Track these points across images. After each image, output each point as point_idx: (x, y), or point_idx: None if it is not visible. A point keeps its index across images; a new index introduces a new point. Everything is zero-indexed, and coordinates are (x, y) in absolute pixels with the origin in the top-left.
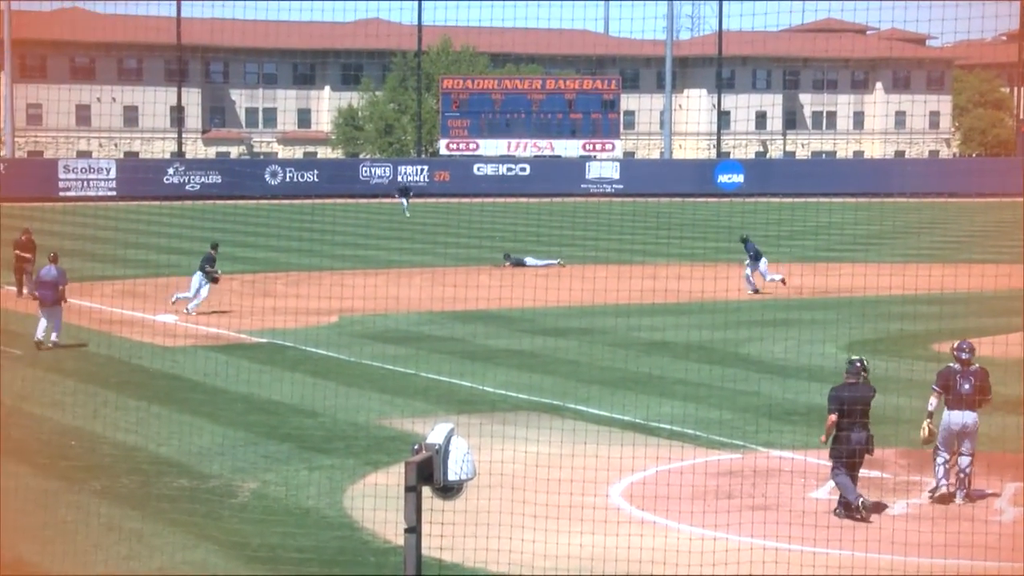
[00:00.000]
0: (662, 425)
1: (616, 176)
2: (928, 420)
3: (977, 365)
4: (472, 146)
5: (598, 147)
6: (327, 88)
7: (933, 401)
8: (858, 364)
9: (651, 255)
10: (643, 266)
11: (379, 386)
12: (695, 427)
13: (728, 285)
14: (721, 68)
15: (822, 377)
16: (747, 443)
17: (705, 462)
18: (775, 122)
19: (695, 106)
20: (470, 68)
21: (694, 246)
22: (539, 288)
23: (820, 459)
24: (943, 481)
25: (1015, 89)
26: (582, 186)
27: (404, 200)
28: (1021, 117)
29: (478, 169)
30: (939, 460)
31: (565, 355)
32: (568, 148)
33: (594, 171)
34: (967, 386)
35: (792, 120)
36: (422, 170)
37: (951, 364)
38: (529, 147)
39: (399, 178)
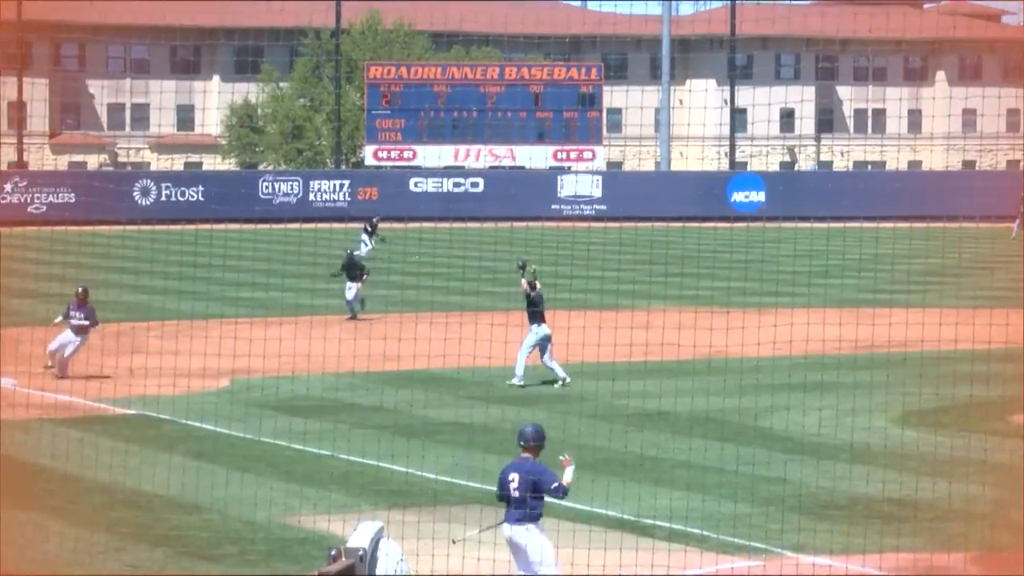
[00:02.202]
0: (659, 523)
1: (597, 193)
2: None
3: None
4: (408, 154)
5: (574, 155)
6: (216, 78)
7: None
8: None
9: (643, 297)
10: (633, 312)
11: (284, 472)
12: (702, 525)
13: (745, 337)
14: (735, 52)
15: (869, 458)
16: (770, 546)
17: (716, 571)
18: (805, 123)
19: (701, 102)
20: (405, 52)
21: (699, 286)
22: (496, 341)
23: (866, 566)
24: None
25: None
26: (553, 207)
27: (368, 239)
28: None
29: (416, 184)
30: None
31: None
32: (534, 157)
33: (568, 187)
34: None
35: (828, 121)
36: (341, 186)
37: None
38: (483, 155)
39: (311, 196)
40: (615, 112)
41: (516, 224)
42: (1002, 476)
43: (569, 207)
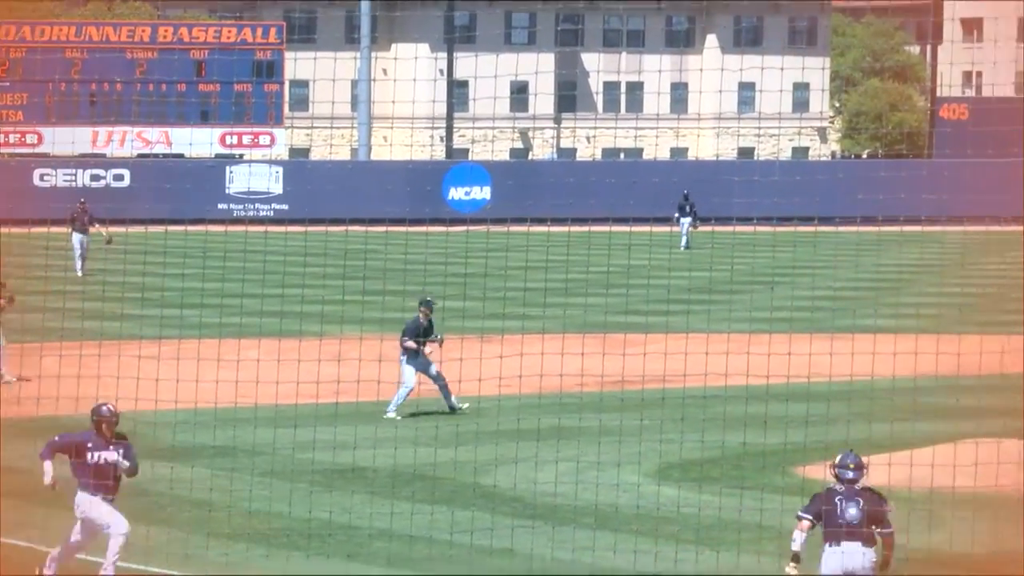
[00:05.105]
0: None
1: (277, 189)
2: (793, 565)
3: (867, 486)
4: (31, 138)
5: (247, 140)
6: None
7: (798, 537)
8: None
9: (334, 322)
10: (320, 340)
11: None
12: None
13: (462, 371)
14: (453, 10)
15: (618, 523)
16: None
17: None
18: (542, 100)
19: (409, 72)
20: (27, 10)
21: (405, 307)
22: (145, 379)
23: None
24: None
25: (929, 48)
26: (220, 205)
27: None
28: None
29: (42, 177)
30: None
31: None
32: (196, 142)
33: (240, 180)
34: (853, 510)
35: (571, 98)
36: None
37: (832, 486)
38: (130, 140)
39: None
40: (300, 85)
41: (172, 228)
42: (782, 543)
43: (241, 206)
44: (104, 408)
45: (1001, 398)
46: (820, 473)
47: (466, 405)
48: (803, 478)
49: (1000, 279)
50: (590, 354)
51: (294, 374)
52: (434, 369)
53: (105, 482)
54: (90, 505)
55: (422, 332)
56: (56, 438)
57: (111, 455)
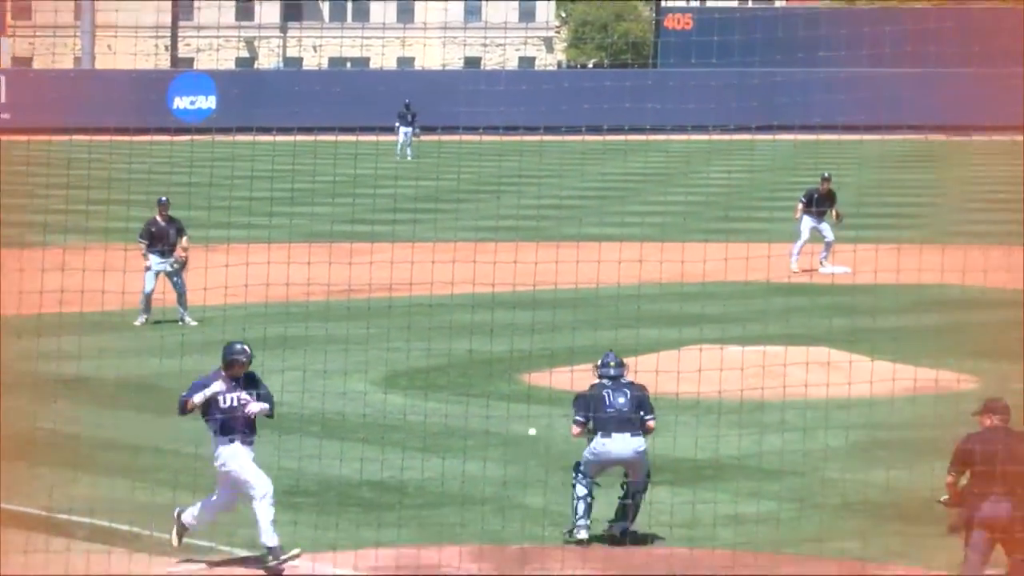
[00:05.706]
0: (77, 518)
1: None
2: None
3: (631, 380)
4: None
5: None
6: None
7: (576, 431)
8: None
9: (58, 231)
10: (44, 251)
11: None
12: (133, 520)
13: (189, 281)
14: None
15: (344, 432)
16: (218, 544)
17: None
18: (268, 10)
19: None
20: None
21: (130, 216)
22: None
23: (338, 567)
24: (582, 520)
25: None
26: None
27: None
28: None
29: None
30: (578, 491)
31: None
32: None
33: None
34: (622, 399)
35: (296, 7)
36: None
37: (598, 382)
38: None
39: None
40: None
41: None
42: (507, 450)
43: None
44: (237, 346)
45: (724, 305)
46: (545, 380)
47: (195, 323)
48: (529, 385)
49: (724, 187)
50: (316, 263)
51: (17, 284)
52: (180, 282)
53: (242, 427)
54: (231, 456)
55: (160, 232)
56: (185, 394)
57: (244, 396)
